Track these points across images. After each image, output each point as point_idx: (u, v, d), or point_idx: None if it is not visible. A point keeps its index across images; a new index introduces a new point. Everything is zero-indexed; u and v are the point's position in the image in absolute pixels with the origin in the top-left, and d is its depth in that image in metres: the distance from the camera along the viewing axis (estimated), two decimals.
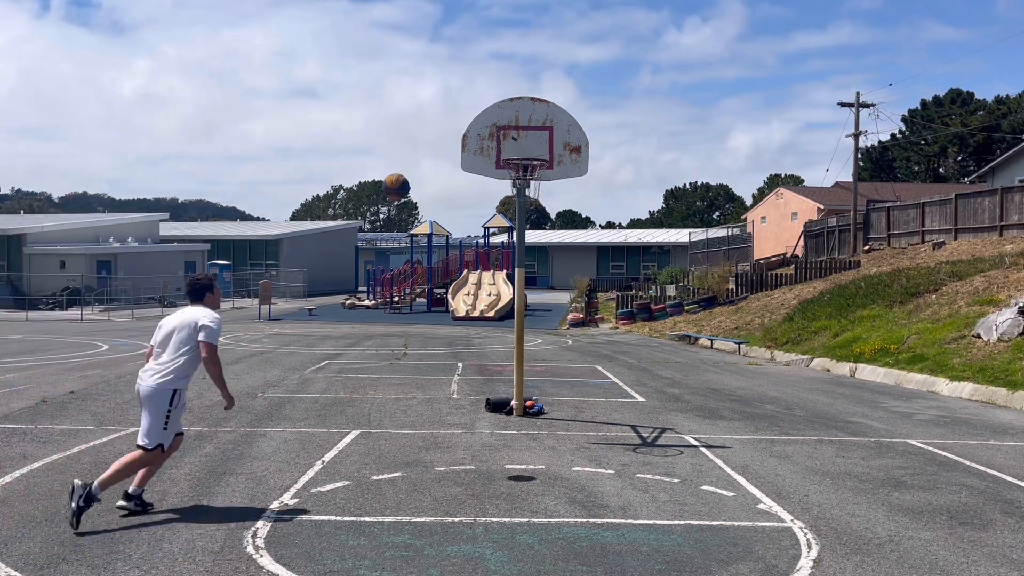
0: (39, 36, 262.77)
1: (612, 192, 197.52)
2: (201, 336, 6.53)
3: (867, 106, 36.36)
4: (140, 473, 6.54)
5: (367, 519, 6.46)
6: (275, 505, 6.80)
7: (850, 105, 36.49)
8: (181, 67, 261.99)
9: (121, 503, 6.49)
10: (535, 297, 50.17)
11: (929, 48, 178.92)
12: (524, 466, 8.29)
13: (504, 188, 11.73)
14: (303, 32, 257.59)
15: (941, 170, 70.69)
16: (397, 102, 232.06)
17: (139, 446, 6.50)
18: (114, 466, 6.44)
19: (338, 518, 6.47)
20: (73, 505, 6.06)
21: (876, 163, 70.80)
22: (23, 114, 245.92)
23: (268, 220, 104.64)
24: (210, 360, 6.54)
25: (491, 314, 35.57)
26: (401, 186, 10.67)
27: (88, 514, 6.42)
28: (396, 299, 41.54)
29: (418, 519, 6.46)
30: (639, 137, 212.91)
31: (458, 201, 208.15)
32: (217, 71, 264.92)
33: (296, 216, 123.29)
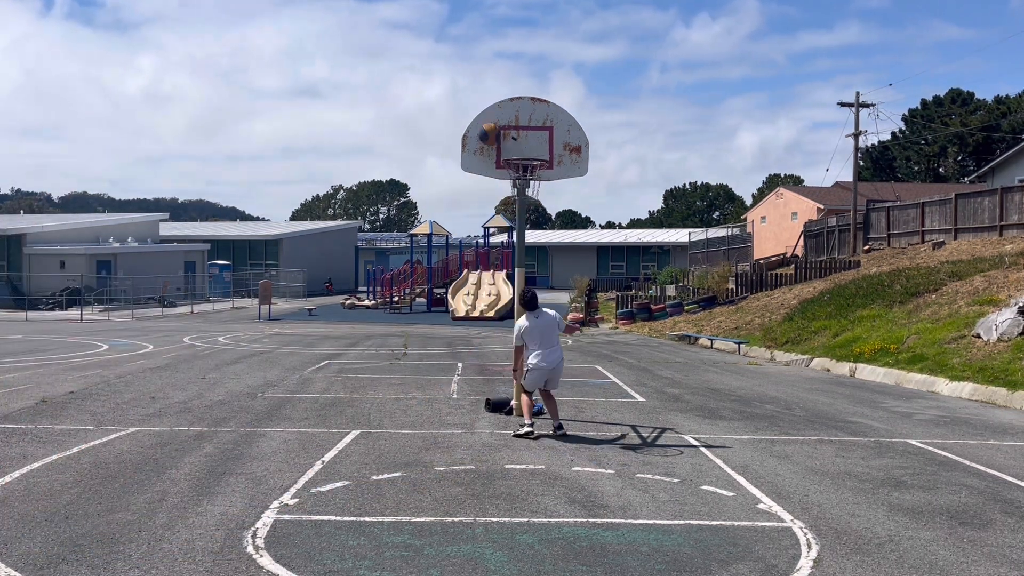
0: (42, 34, 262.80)
1: (615, 192, 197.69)
2: None
3: (867, 106, 36.37)
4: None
5: (367, 519, 6.46)
6: (275, 505, 6.80)
7: (850, 105, 36.50)
8: (182, 66, 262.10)
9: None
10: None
11: (931, 48, 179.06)
12: (524, 466, 8.29)
13: (504, 188, 11.73)
14: (307, 31, 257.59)
15: (941, 170, 70.70)
16: (401, 101, 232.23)
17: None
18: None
19: (338, 518, 6.47)
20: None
21: (876, 163, 70.83)
22: (24, 114, 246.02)
23: (268, 220, 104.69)
24: (569, 330, 6.99)
25: (491, 314, 35.57)
26: (496, 134, 10.79)
27: (87, 514, 6.44)
28: (396, 299, 41.55)
29: (418, 519, 6.46)
30: (643, 136, 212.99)
31: (459, 201, 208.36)
32: (218, 70, 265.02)
33: (296, 216, 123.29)
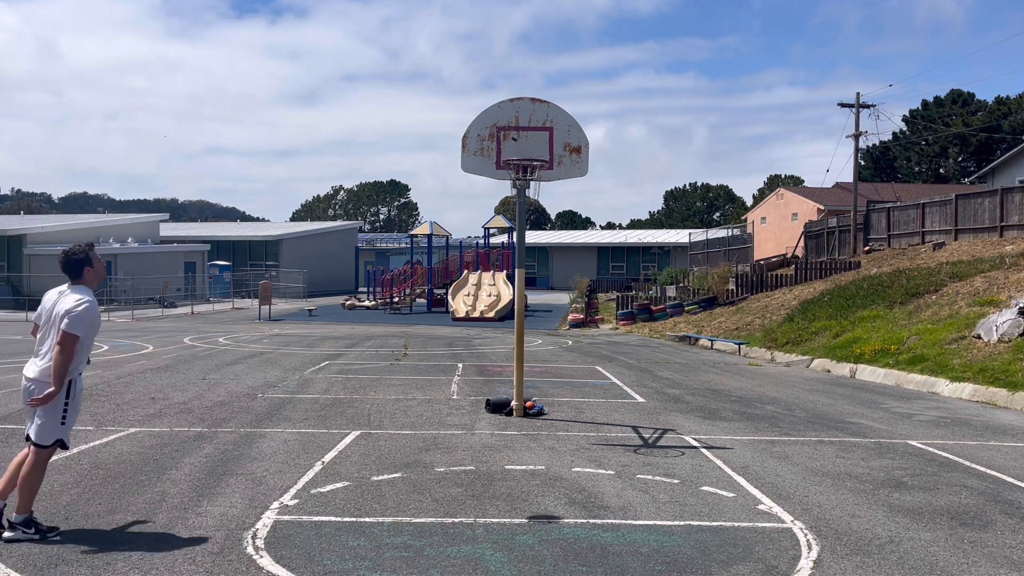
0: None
1: (615, 191, 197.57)
2: (63, 324, 5.80)
3: (867, 106, 36.36)
4: (22, 490, 5.77)
5: (367, 520, 6.45)
6: (275, 506, 6.80)
7: (850, 105, 36.49)
8: (183, 65, 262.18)
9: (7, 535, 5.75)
10: (535, 297, 50.18)
11: (932, 48, 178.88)
12: (524, 467, 8.29)
13: (504, 188, 11.73)
14: (310, 30, 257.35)
15: (942, 170, 70.70)
16: (404, 101, 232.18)
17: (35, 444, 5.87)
18: (9, 470, 5.93)
19: (338, 519, 6.47)
20: (35, 536, 5.77)
21: (877, 163, 70.82)
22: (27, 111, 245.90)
23: (268, 220, 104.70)
24: (62, 349, 5.77)
25: (491, 315, 35.57)
26: None
27: (87, 514, 6.44)
28: (396, 300, 41.55)
29: (418, 520, 6.46)
30: (642, 136, 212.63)
31: (459, 201, 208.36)
32: (218, 70, 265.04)
33: (296, 216, 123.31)
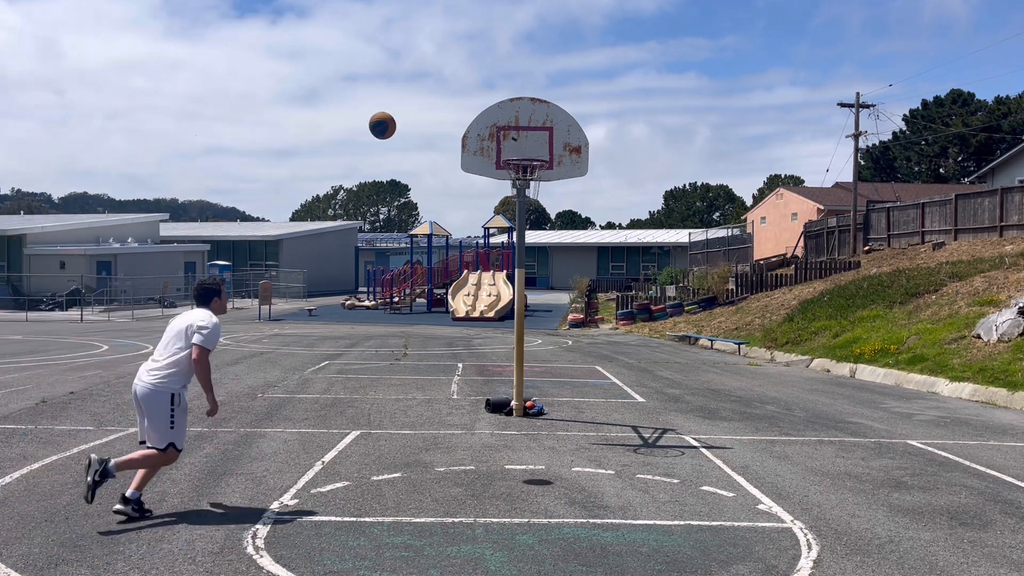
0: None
1: (616, 191, 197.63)
2: (195, 339, 6.46)
3: (867, 106, 36.36)
4: (140, 474, 6.48)
5: (367, 519, 6.46)
6: (275, 506, 6.80)
7: (850, 105, 36.50)
8: (184, 65, 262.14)
9: (118, 507, 6.36)
10: (535, 297, 50.18)
11: (935, 48, 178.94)
12: (524, 467, 8.29)
13: (504, 188, 11.73)
14: (311, 30, 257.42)
15: (942, 170, 70.71)
16: (405, 101, 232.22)
17: (148, 446, 6.48)
18: (134, 454, 6.56)
19: (338, 519, 6.47)
20: (89, 479, 6.20)
21: (876, 163, 70.83)
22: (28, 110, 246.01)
23: (268, 220, 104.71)
24: (199, 362, 6.44)
25: (491, 314, 35.57)
26: (378, 124, 10.48)
27: (87, 514, 6.43)
28: (396, 300, 41.56)
29: (418, 519, 6.46)
30: (646, 135, 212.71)
31: (459, 201, 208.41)
32: (219, 70, 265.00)
33: (296, 216, 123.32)
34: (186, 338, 6.49)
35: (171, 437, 6.47)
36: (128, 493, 6.38)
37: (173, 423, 6.46)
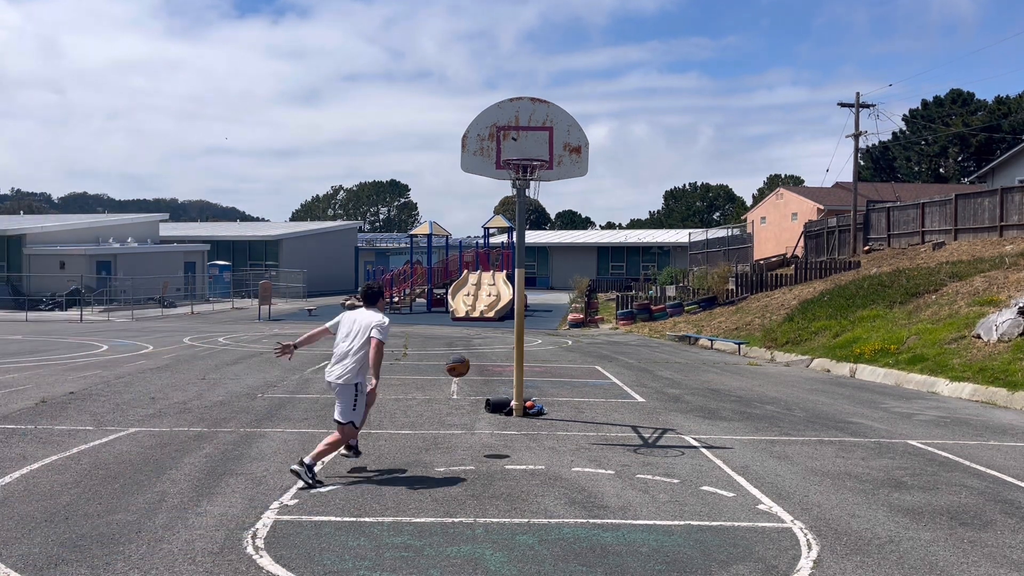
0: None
1: (616, 191, 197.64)
2: (374, 333, 7.81)
3: (867, 106, 36.36)
4: (320, 448, 7.78)
5: (367, 519, 6.46)
6: (275, 506, 6.80)
7: (850, 105, 36.49)
8: (184, 65, 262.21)
9: (295, 467, 7.50)
10: (535, 297, 50.18)
11: (937, 48, 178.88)
12: (524, 467, 8.29)
13: (504, 188, 11.73)
14: (312, 30, 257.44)
15: (942, 170, 70.72)
16: (406, 100, 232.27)
17: (337, 422, 7.92)
18: (319, 447, 7.83)
19: (338, 519, 6.47)
20: (308, 482, 7.38)
21: (876, 163, 70.84)
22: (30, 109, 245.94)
23: (268, 220, 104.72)
24: (377, 351, 7.79)
25: (491, 314, 35.57)
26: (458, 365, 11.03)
27: (87, 514, 6.44)
28: (396, 300, 41.55)
29: (418, 519, 6.46)
30: (647, 135, 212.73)
31: (459, 201, 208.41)
32: (220, 70, 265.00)
33: (296, 216, 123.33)
34: (366, 338, 7.83)
35: (352, 416, 7.83)
36: (306, 460, 7.55)
37: (355, 407, 7.83)
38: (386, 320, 8.02)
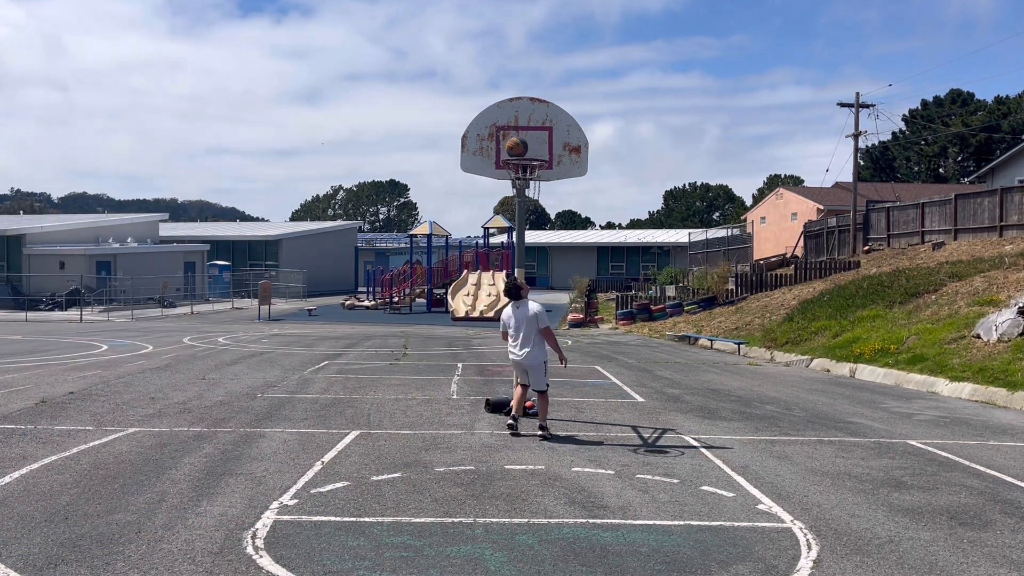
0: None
1: (617, 190, 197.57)
2: (541, 323, 9.93)
3: (867, 106, 36.37)
4: (541, 411, 9.98)
5: (367, 520, 6.45)
6: (275, 506, 6.80)
7: (850, 105, 36.50)
8: (186, 64, 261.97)
9: (540, 434, 9.69)
10: (535, 297, 50.12)
11: (939, 48, 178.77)
12: (524, 466, 8.29)
13: (504, 188, 11.74)
14: (315, 30, 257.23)
15: (941, 170, 70.72)
16: (407, 100, 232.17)
17: (537, 391, 10.01)
18: (540, 411, 9.99)
19: (338, 519, 6.47)
20: (511, 422, 9.91)
21: (876, 163, 70.84)
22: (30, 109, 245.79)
23: (268, 220, 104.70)
24: (550, 336, 9.99)
25: (491, 314, 35.55)
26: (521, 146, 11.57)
27: (87, 514, 6.44)
28: (396, 300, 41.56)
29: (418, 520, 6.46)
30: (650, 134, 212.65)
31: (459, 201, 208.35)
32: (222, 69, 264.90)
33: (296, 216, 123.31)
34: (536, 324, 9.87)
35: (544, 383, 10.03)
36: (540, 423, 9.82)
37: (545, 375, 10.03)
38: (543, 308, 10.08)
